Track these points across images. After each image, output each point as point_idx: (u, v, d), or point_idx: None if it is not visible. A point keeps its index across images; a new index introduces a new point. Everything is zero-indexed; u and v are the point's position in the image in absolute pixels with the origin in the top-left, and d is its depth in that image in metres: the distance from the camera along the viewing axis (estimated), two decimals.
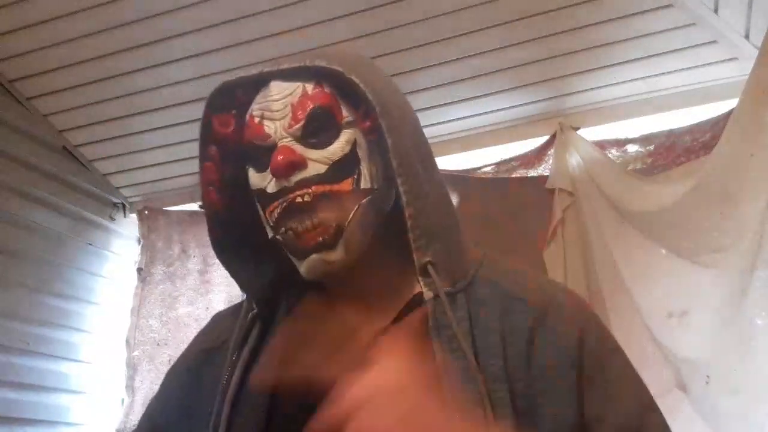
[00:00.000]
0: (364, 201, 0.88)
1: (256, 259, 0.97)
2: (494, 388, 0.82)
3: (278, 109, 0.89)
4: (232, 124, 0.93)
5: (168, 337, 3.17)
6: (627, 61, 2.58)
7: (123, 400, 3.17)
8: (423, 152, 0.92)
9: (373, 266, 0.91)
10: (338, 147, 0.88)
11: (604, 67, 2.61)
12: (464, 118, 2.83)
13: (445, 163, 2.95)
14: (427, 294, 0.86)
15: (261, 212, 0.91)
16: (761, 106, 2.03)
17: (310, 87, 0.89)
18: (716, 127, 2.40)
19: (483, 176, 2.87)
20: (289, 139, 0.88)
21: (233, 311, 1.01)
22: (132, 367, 3.16)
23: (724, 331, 2.17)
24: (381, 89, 0.89)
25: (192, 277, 3.23)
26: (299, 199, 0.86)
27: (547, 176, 2.73)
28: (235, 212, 0.96)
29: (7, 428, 2.69)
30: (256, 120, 0.90)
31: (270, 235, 0.91)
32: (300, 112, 0.88)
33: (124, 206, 3.38)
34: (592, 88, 2.71)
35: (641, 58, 2.55)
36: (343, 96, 0.89)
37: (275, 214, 0.88)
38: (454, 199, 2.83)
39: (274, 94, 0.89)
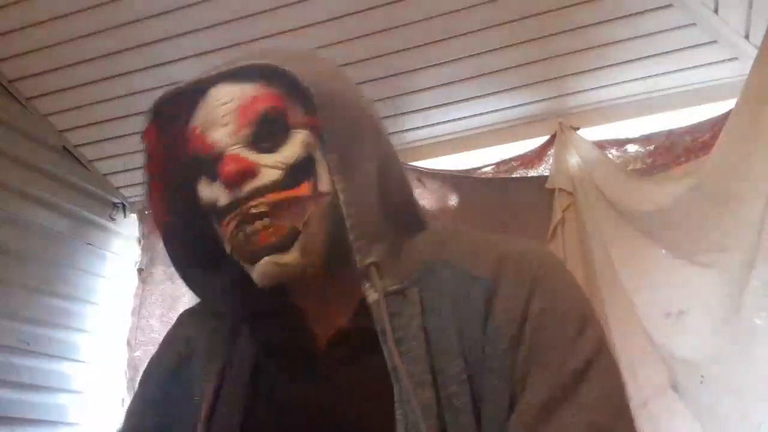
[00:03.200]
0: (322, 201, 0.81)
1: (217, 274, 0.91)
2: (455, 392, 0.76)
3: (221, 115, 0.82)
4: (154, 134, 0.88)
5: None
6: (627, 61, 2.58)
7: (123, 400, 3.17)
8: (367, 140, 0.85)
9: (328, 268, 0.84)
10: (292, 149, 0.81)
11: (604, 67, 2.61)
12: (464, 118, 2.83)
13: (445, 163, 2.95)
14: (371, 297, 0.80)
15: (217, 228, 0.85)
16: (760, 106, 2.03)
17: (253, 88, 0.83)
18: (716, 127, 2.40)
19: (483, 176, 2.86)
20: (238, 145, 0.81)
21: (199, 311, 0.98)
22: (134, 367, 3.16)
23: (722, 331, 2.17)
24: (324, 86, 0.82)
25: None
26: (254, 210, 0.79)
27: (547, 176, 2.73)
28: (191, 230, 0.89)
29: (8, 428, 2.69)
30: (198, 131, 0.83)
31: (228, 250, 0.84)
32: (245, 116, 0.81)
33: (124, 206, 3.38)
34: (592, 88, 2.71)
35: (641, 58, 2.55)
36: (290, 95, 0.83)
37: (230, 227, 0.81)
38: (452, 200, 2.83)
39: (215, 101, 0.83)
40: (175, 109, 0.87)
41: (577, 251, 2.61)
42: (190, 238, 0.90)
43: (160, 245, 3.33)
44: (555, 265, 0.84)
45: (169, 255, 0.91)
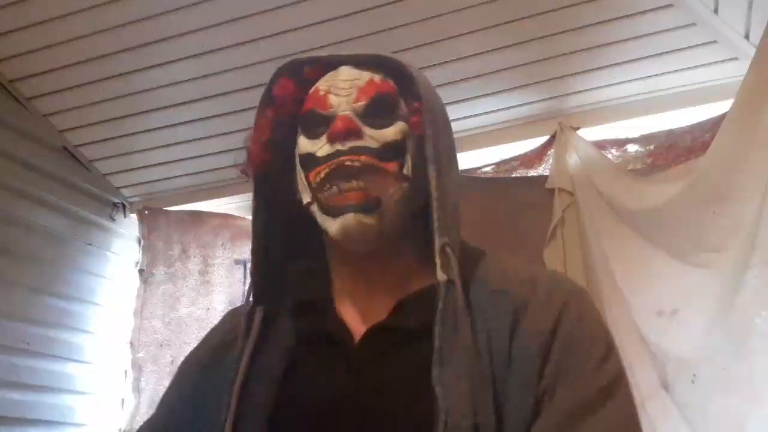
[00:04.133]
0: (404, 184, 0.91)
1: (277, 233, 0.99)
2: (479, 388, 0.81)
3: (344, 87, 0.93)
4: (291, 88, 0.97)
5: (171, 338, 3.18)
6: (627, 61, 2.58)
7: (123, 400, 3.17)
8: (452, 154, 0.97)
9: (387, 260, 0.93)
10: (392, 131, 0.92)
11: (604, 67, 2.61)
12: (464, 118, 2.83)
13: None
14: (441, 276, 0.86)
15: (302, 177, 0.94)
16: (757, 106, 2.03)
17: (377, 77, 0.94)
18: (716, 127, 2.39)
19: (483, 176, 2.87)
20: (351, 112, 0.92)
21: (242, 309, 1.02)
22: (137, 368, 3.17)
23: (715, 330, 2.17)
24: (429, 91, 0.95)
25: (193, 277, 3.23)
26: (349, 163, 0.89)
27: (547, 176, 2.73)
28: (272, 178, 0.98)
29: (8, 428, 2.69)
30: (321, 92, 0.94)
31: (305, 200, 0.93)
32: (365, 93, 0.93)
33: (124, 206, 3.38)
34: (592, 88, 2.71)
35: (641, 58, 2.55)
36: (402, 93, 0.95)
37: (321, 174, 0.90)
38: None
39: (343, 76, 0.94)
40: (308, 73, 0.98)
41: (577, 251, 2.61)
42: (270, 185, 0.98)
43: (161, 245, 3.38)
44: (584, 294, 0.93)
45: (254, 214, 0.99)
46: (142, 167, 3.24)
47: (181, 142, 3.09)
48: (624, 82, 2.66)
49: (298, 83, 0.97)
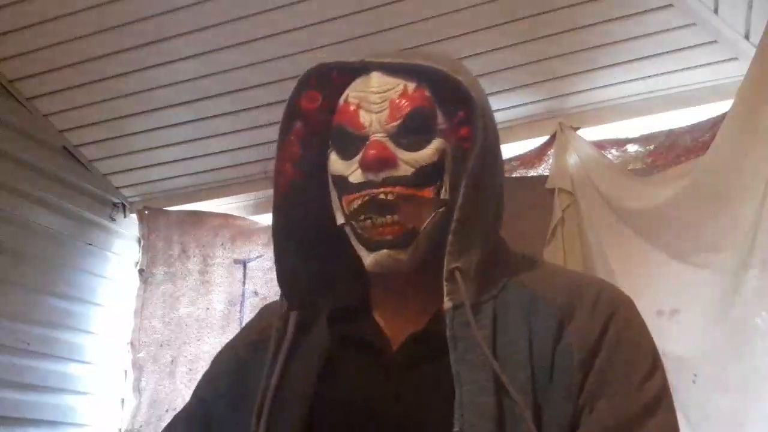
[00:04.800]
0: (440, 210, 0.88)
1: (308, 248, 0.96)
2: (518, 401, 0.79)
3: (376, 102, 0.88)
4: (319, 102, 0.92)
5: (171, 337, 3.17)
6: (627, 61, 2.58)
7: (123, 400, 3.17)
8: (498, 161, 0.93)
9: (423, 272, 0.90)
10: (428, 153, 0.87)
11: (604, 67, 2.61)
12: None
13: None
14: (447, 304, 0.84)
15: (336, 198, 0.91)
16: (757, 106, 2.03)
17: (411, 87, 0.88)
18: (716, 127, 2.39)
19: None
20: (383, 134, 0.87)
21: (280, 304, 1.01)
22: (138, 368, 3.17)
23: (715, 330, 2.17)
24: (478, 93, 0.88)
25: (192, 277, 3.23)
26: (382, 196, 0.86)
27: (547, 176, 2.73)
28: (303, 193, 0.95)
29: (8, 428, 2.69)
30: (352, 107, 0.89)
31: (339, 221, 0.91)
32: (398, 110, 0.87)
33: (124, 206, 3.38)
34: (592, 88, 2.70)
35: (641, 58, 2.55)
36: (440, 101, 0.89)
37: (355, 204, 0.88)
38: None
39: (375, 86, 0.89)
40: (333, 76, 0.93)
41: (577, 251, 2.61)
42: (300, 202, 0.94)
43: (161, 245, 3.38)
44: (630, 303, 0.91)
45: (274, 219, 0.95)
46: (142, 167, 3.24)
47: (181, 142, 3.09)
48: (624, 82, 2.66)
49: (326, 92, 0.93)
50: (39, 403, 2.82)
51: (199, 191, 3.30)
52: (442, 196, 0.88)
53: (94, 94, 2.89)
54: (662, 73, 2.60)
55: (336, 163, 0.90)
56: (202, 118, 2.95)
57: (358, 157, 0.87)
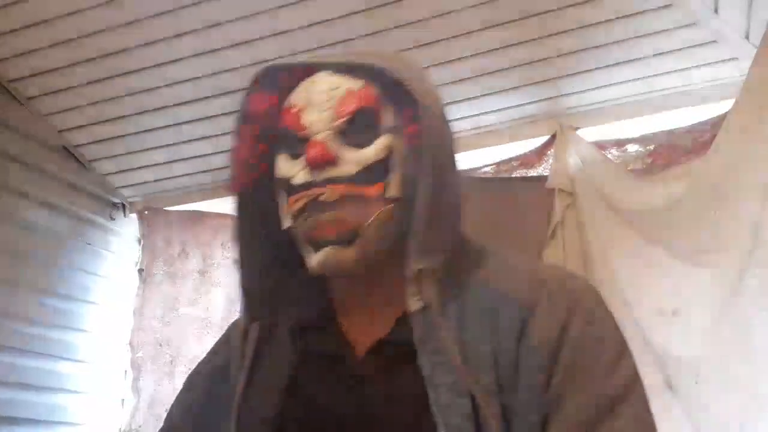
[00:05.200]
0: (387, 207, 0.86)
1: (266, 252, 0.95)
2: (485, 403, 0.78)
3: (321, 101, 0.87)
4: (267, 104, 0.92)
5: (170, 337, 3.17)
6: (627, 61, 2.57)
7: (123, 400, 3.17)
8: (452, 159, 0.91)
9: (382, 274, 0.89)
10: (374, 151, 0.86)
11: (604, 67, 2.61)
12: (464, 118, 2.83)
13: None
14: (414, 304, 0.83)
15: (283, 200, 0.90)
16: (758, 106, 2.03)
17: (357, 85, 0.88)
18: (716, 127, 2.40)
19: (483, 176, 2.87)
20: (327, 133, 0.87)
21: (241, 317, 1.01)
22: (136, 368, 3.17)
23: (717, 330, 2.17)
24: (427, 93, 0.88)
25: (192, 277, 3.23)
26: (322, 198, 0.85)
27: (547, 176, 2.73)
28: (257, 195, 0.94)
29: (8, 428, 2.69)
30: (296, 109, 0.89)
31: (286, 224, 0.90)
32: (343, 109, 0.87)
33: (124, 206, 3.38)
34: (592, 88, 2.70)
35: (641, 58, 2.54)
36: (388, 100, 0.88)
37: (298, 205, 0.87)
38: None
39: (320, 86, 0.88)
40: (282, 78, 0.92)
41: (577, 251, 2.61)
42: (256, 205, 0.94)
43: (160, 245, 3.37)
44: (594, 294, 0.88)
45: (234, 224, 0.94)
46: (142, 167, 3.24)
47: (180, 142, 3.09)
48: (624, 82, 2.66)
49: (275, 94, 0.92)
50: (38, 402, 2.82)
51: (199, 191, 3.30)
52: (391, 193, 0.86)
53: (94, 94, 2.89)
54: (662, 73, 2.59)
55: (282, 165, 0.90)
56: (202, 118, 2.95)
57: (302, 158, 0.87)
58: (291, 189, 0.88)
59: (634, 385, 0.81)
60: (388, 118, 0.88)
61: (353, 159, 0.86)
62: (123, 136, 3.08)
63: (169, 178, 3.28)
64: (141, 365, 3.17)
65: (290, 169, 0.88)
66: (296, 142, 0.88)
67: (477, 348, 0.81)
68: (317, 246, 0.86)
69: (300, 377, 0.89)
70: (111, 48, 2.69)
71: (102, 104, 2.94)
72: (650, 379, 2.27)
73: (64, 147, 3.11)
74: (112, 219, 3.33)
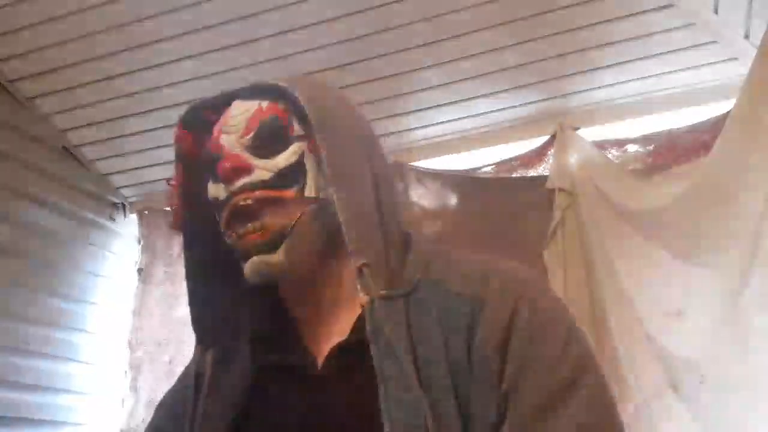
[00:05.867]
0: (308, 208, 0.89)
1: (218, 281, 0.98)
2: (441, 397, 0.79)
3: (234, 123, 0.93)
4: (189, 139, 0.98)
5: (169, 337, 3.17)
6: (627, 61, 2.57)
7: (123, 400, 3.17)
8: (363, 164, 0.93)
9: (329, 277, 0.92)
10: (284, 157, 0.90)
11: (604, 67, 2.61)
12: (464, 118, 2.83)
13: (446, 163, 2.95)
14: (362, 298, 0.85)
15: (219, 221, 0.93)
16: (759, 106, 2.03)
17: (265, 104, 0.93)
18: (716, 127, 2.40)
19: (483, 176, 2.86)
20: (239, 148, 0.91)
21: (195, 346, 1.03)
22: (135, 368, 3.17)
23: (720, 330, 2.17)
24: (323, 107, 0.92)
25: None
26: (242, 203, 0.89)
27: (547, 176, 2.72)
28: (201, 229, 0.98)
29: (8, 428, 2.69)
30: (215, 134, 0.94)
31: (227, 242, 0.92)
32: (251, 124, 0.92)
33: (124, 206, 3.38)
34: (592, 88, 2.70)
35: (641, 58, 2.54)
36: (297, 114, 0.92)
37: (224, 218, 0.91)
38: (453, 200, 2.83)
39: (234, 111, 0.94)
40: (206, 115, 0.98)
41: (577, 251, 2.61)
42: (202, 238, 0.98)
43: (160, 245, 3.37)
44: (538, 283, 0.93)
45: (186, 266, 0.99)
46: (142, 167, 3.24)
47: None
48: (624, 82, 2.66)
49: (200, 131, 0.97)
50: (38, 402, 2.82)
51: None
52: (309, 194, 0.90)
53: (94, 94, 2.89)
54: (662, 73, 2.60)
55: (210, 188, 0.94)
56: None
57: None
58: (218, 207, 0.92)
59: (585, 368, 0.82)
60: (297, 129, 0.92)
61: (266, 166, 0.90)
62: (123, 136, 3.08)
63: (169, 178, 3.28)
64: (139, 365, 3.17)
65: (215, 190, 0.92)
66: (215, 163, 0.92)
67: (428, 342, 0.83)
68: (246, 256, 0.89)
69: (260, 394, 0.90)
70: (111, 48, 2.69)
71: (102, 104, 2.94)
72: (654, 379, 2.30)
73: (64, 147, 3.11)
74: (112, 219, 3.33)
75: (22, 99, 2.92)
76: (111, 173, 3.28)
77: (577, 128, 2.74)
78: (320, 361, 0.89)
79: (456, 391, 0.80)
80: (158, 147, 3.12)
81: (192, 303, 0.98)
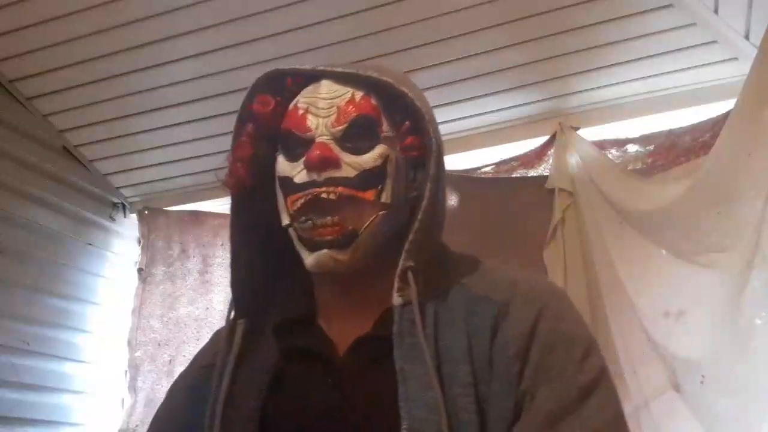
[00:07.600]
0: (381, 213, 0.91)
1: (260, 248, 1.00)
2: (461, 393, 0.82)
3: (324, 107, 0.92)
4: (272, 105, 0.95)
5: (169, 337, 3.17)
6: (627, 61, 2.58)
7: (123, 400, 3.17)
8: (444, 169, 0.96)
9: (368, 277, 0.94)
10: (371, 157, 0.91)
11: (604, 67, 2.61)
12: (464, 118, 2.83)
13: (446, 163, 2.95)
14: (397, 300, 0.88)
15: (281, 199, 0.94)
16: (759, 106, 2.03)
17: (359, 95, 0.92)
18: (716, 127, 2.40)
19: (483, 176, 2.86)
20: (329, 137, 0.91)
21: (228, 314, 1.03)
22: (134, 367, 3.17)
23: (721, 331, 2.17)
24: (427, 109, 0.93)
25: (192, 277, 3.23)
26: (324, 195, 0.89)
27: (547, 176, 2.73)
28: (255, 194, 0.97)
29: (8, 428, 2.69)
30: (300, 111, 0.93)
31: (285, 222, 0.93)
32: (345, 116, 0.91)
33: (124, 206, 3.38)
34: (592, 88, 2.70)
35: (641, 58, 2.55)
36: (387, 111, 0.93)
37: (298, 204, 0.90)
38: (454, 200, 2.84)
39: (324, 92, 0.93)
40: (287, 82, 0.96)
41: (577, 251, 2.61)
42: (252, 202, 0.98)
43: (160, 245, 3.37)
44: (562, 295, 0.95)
45: (231, 230, 0.99)
46: (142, 167, 3.24)
47: (180, 142, 3.09)
48: (624, 82, 2.66)
49: (278, 96, 0.96)
50: (38, 402, 2.82)
51: (199, 191, 3.30)
52: (384, 200, 0.91)
53: (94, 94, 2.89)
54: (662, 73, 2.60)
55: (282, 165, 0.94)
56: (202, 119, 2.95)
57: (303, 159, 0.91)
58: (291, 188, 0.91)
59: (600, 379, 0.85)
60: (386, 128, 0.93)
61: (352, 163, 0.90)
62: (123, 136, 3.08)
63: (169, 178, 3.28)
64: (139, 365, 3.17)
65: (291, 169, 0.92)
66: (298, 144, 0.92)
67: (454, 344, 0.86)
68: (314, 246, 0.90)
69: (283, 378, 0.92)
70: (111, 48, 2.69)
71: (102, 104, 2.94)
72: (655, 379, 2.30)
73: (64, 147, 3.11)
74: (113, 219, 3.33)
75: (22, 99, 2.92)
76: (111, 173, 3.28)
77: (577, 128, 2.74)
78: (340, 351, 0.92)
79: (476, 388, 0.83)
80: (158, 147, 3.12)
81: (234, 267, 0.98)
